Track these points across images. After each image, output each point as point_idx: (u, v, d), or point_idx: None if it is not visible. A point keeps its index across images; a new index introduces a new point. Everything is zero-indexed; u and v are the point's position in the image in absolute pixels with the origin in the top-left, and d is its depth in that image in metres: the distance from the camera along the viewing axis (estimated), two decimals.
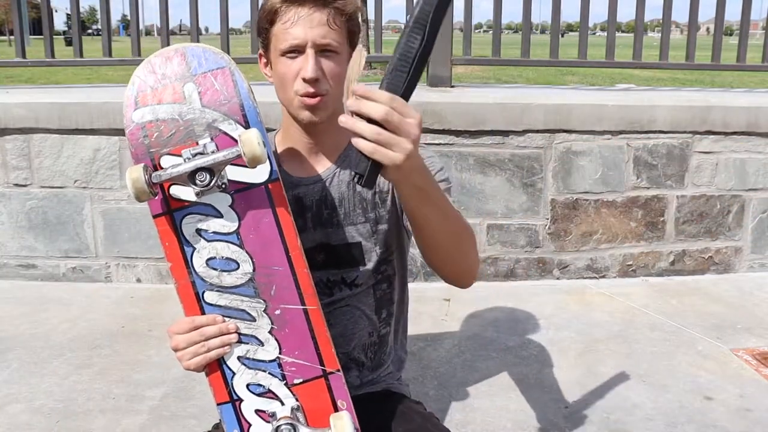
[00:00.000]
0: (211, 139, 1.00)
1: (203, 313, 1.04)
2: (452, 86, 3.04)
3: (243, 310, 1.04)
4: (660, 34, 3.29)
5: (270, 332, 1.05)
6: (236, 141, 0.98)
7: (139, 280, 2.84)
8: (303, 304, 1.05)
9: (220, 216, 1.02)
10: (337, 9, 1.11)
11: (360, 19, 1.19)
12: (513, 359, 2.18)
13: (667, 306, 2.66)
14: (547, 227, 2.89)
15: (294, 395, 1.06)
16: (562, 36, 4.19)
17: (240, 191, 1.02)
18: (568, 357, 2.21)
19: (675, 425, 1.83)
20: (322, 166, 1.22)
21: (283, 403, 1.06)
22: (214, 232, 1.03)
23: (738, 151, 2.94)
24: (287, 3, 1.10)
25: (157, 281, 2.82)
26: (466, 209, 2.81)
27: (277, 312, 1.05)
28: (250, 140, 0.92)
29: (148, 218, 3.05)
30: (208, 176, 0.97)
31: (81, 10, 3.27)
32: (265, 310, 1.04)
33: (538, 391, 1.99)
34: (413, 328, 2.35)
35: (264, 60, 1.19)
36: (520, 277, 2.92)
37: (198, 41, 3.10)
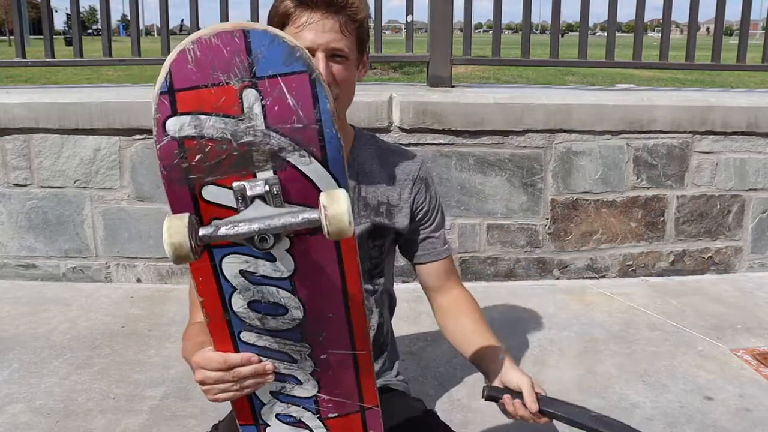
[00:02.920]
0: (275, 172, 0.75)
1: (237, 351, 0.90)
2: (452, 86, 3.04)
3: (284, 353, 0.91)
4: (660, 34, 3.29)
5: (311, 374, 0.93)
6: (307, 180, 0.76)
7: (139, 280, 2.84)
8: (354, 349, 0.93)
9: (273, 260, 0.83)
10: (349, 16, 1.11)
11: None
12: (513, 359, 2.18)
13: (667, 306, 2.66)
14: (547, 227, 2.89)
15: (326, 427, 0.98)
16: (562, 36, 4.18)
17: (301, 234, 0.81)
18: (568, 357, 2.21)
19: (675, 425, 1.83)
20: None
21: None
22: (262, 276, 0.84)
23: (738, 151, 2.94)
24: (301, 8, 1.10)
25: (157, 281, 2.82)
26: (466, 209, 2.81)
27: (323, 356, 0.92)
28: (340, 216, 0.70)
29: (148, 218, 3.04)
30: (271, 240, 0.76)
31: (81, 10, 3.27)
32: (309, 354, 0.92)
33: None
34: (413, 328, 2.36)
35: None
36: (520, 277, 2.92)
37: None
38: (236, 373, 0.90)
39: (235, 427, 1.28)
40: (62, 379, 2.03)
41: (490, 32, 3.34)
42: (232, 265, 0.83)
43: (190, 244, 0.70)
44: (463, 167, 2.78)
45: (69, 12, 3.09)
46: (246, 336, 0.89)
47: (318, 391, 0.95)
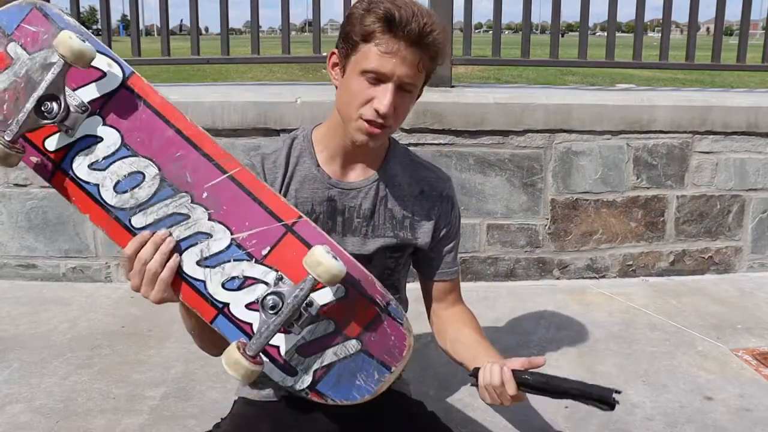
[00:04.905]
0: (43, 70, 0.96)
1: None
2: (452, 86, 3.04)
3: (173, 214, 0.98)
4: (660, 34, 3.29)
5: (210, 218, 0.98)
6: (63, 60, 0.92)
7: None
8: (224, 172, 0.98)
9: (100, 140, 0.97)
10: (431, 55, 1.11)
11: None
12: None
13: (667, 306, 2.66)
14: (547, 227, 2.89)
15: (270, 267, 0.98)
16: (562, 36, 4.19)
17: (104, 105, 0.97)
18: (568, 357, 2.21)
19: (675, 425, 1.83)
20: (358, 175, 1.25)
21: (266, 282, 0.98)
22: (104, 159, 0.97)
23: (738, 151, 2.94)
24: (389, 33, 1.08)
25: None
26: (466, 209, 2.81)
27: (205, 195, 0.98)
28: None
29: None
30: (54, 105, 0.93)
31: (81, 10, 3.27)
32: (193, 201, 0.98)
33: None
34: (413, 328, 2.35)
35: (336, 60, 1.18)
36: (520, 277, 2.92)
37: (198, 41, 3.10)
38: (140, 258, 0.98)
39: (236, 426, 1.28)
40: (62, 379, 2.03)
41: (490, 32, 3.34)
42: (80, 168, 0.97)
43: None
44: (463, 167, 2.78)
45: (69, 12, 3.09)
46: (136, 221, 0.99)
47: (231, 233, 0.98)
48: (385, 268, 1.28)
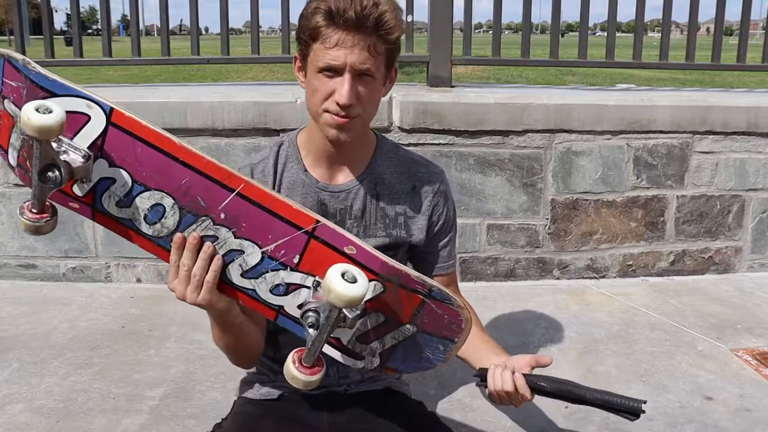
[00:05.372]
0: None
1: None
2: (452, 86, 3.04)
3: (204, 237, 1.00)
4: (660, 34, 3.29)
5: (236, 237, 1.00)
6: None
7: (139, 280, 2.83)
8: (231, 190, 0.98)
9: (114, 180, 0.98)
10: (381, 36, 1.11)
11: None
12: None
13: (667, 306, 2.66)
14: (547, 227, 2.89)
15: (306, 272, 1.00)
16: (562, 36, 4.20)
17: (102, 147, 0.96)
18: (568, 357, 2.21)
19: (675, 425, 1.83)
20: (346, 176, 1.25)
21: (307, 286, 1.01)
22: (125, 196, 0.99)
23: (738, 151, 2.94)
24: (333, 26, 1.09)
25: (157, 281, 2.82)
26: (466, 209, 2.81)
27: (222, 216, 0.99)
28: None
29: None
30: (56, 172, 0.93)
31: (81, 10, 3.27)
32: (214, 223, 0.99)
33: None
34: None
35: (299, 64, 1.20)
36: (520, 277, 2.92)
37: (198, 41, 3.10)
38: (184, 264, 1.00)
39: (237, 425, 1.28)
40: (62, 379, 2.03)
41: (490, 32, 3.34)
42: (111, 207, 1.00)
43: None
44: (463, 167, 2.78)
45: (69, 12, 3.08)
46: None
47: (260, 247, 1.00)
48: None
